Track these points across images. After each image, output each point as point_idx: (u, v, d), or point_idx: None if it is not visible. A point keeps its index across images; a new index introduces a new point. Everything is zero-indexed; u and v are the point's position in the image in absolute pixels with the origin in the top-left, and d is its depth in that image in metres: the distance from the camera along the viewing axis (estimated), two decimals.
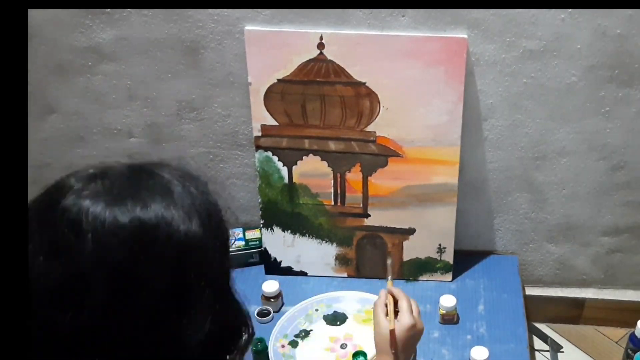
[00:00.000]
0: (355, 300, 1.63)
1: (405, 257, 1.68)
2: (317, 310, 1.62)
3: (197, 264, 0.68)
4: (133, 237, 0.65)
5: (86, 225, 0.64)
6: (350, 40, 1.46)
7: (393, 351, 1.11)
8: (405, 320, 1.12)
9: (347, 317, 1.60)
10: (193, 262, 0.68)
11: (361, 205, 1.63)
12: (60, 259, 0.64)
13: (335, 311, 1.62)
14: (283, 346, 1.54)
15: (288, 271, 1.72)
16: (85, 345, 0.65)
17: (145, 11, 1.48)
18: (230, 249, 0.76)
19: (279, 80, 1.51)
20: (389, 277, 1.25)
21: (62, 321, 0.64)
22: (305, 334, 1.57)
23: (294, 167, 1.61)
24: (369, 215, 1.64)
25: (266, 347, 1.50)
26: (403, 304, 1.15)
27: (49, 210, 0.67)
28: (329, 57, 1.48)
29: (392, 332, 1.12)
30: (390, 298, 1.18)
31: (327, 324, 1.60)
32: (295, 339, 1.56)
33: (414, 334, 1.14)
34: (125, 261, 0.64)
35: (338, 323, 1.60)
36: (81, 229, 0.64)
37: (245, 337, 0.77)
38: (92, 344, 0.65)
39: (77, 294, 0.64)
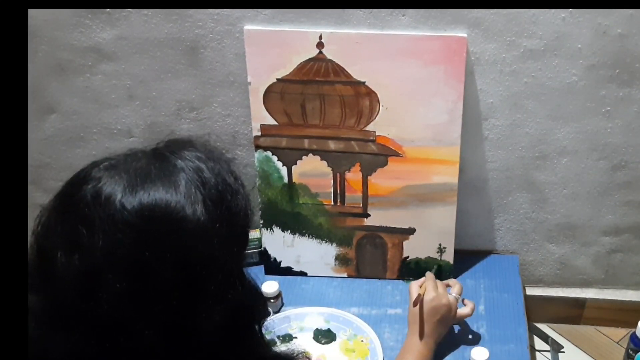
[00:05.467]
0: (355, 327, 1.55)
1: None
2: (315, 320, 1.58)
3: (202, 248, 0.68)
4: (134, 226, 0.66)
5: (97, 219, 0.66)
6: (349, 40, 1.46)
7: (419, 322, 1.36)
8: (428, 294, 1.38)
9: (334, 340, 1.54)
10: (196, 247, 0.68)
11: (361, 205, 1.63)
12: (76, 254, 0.66)
13: (329, 329, 1.56)
14: None
15: (288, 271, 1.72)
16: (108, 333, 0.67)
17: (145, 11, 1.48)
18: (250, 230, 0.75)
19: (278, 79, 1.51)
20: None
21: (84, 310, 0.66)
22: (289, 339, 1.54)
23: (293, 167, 1.60)
24: (369, 215, 1.64)
25: None
26: (428, 284, 1.41)
27: (65, 203, 0.69)
28: (329, 57, 1.48)
29: (418, 304, 1.36)
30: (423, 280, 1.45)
31: (312, 337, 1.55)
32: (276, 339, 1.52)
33: (436, 306, 1.37)
34: (131, 251, 0.66)
35: (323, 342, 1.54)
36: (93, 223, 0.66)
37: (261, 317, 0.79)
38: (114, 332, 0.67)
39: (93, 286, 0.66)
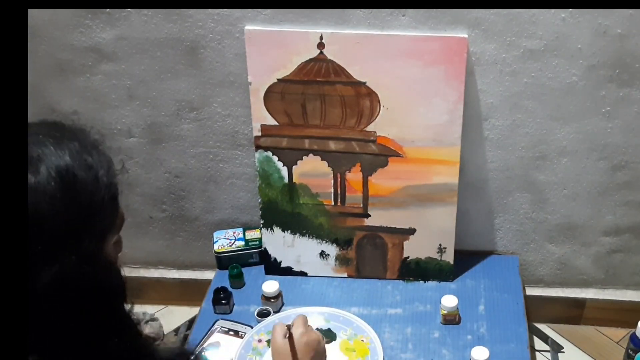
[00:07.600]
0: (355, 326, 1.55)
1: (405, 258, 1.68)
2: (315, 320, 1.56)
3: (34, 207, 0.73)
4: None
5: None
6: (350, 40, 1.46)
7: None
8: (297, 329, 1.25)
9: (334, 340, 1.54)
10: (34, 214, 0.73)
11: (361, 205, 1.63)
12: None
13: (329, 328, 1.55)
14: (260, 341, 1.52)
15: (288, 271, 1.72)
16: None
17: (145, 11, 1.48)
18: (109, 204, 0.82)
19: (279, 80, 1.51)
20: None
21: None
22: None
23: (294, 167, 1.60)
24: (369, 215, 1.64)
25: (242, 273, 1.67)
26: (298, 320, 1.27)
27: None
28: (329, 57, 1.48)
29: (289, 342, 1.22)
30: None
31: None
32: None
33: (308, 341, 1.24)
34: None
35: None
36: None
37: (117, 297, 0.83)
38: None
39: None
